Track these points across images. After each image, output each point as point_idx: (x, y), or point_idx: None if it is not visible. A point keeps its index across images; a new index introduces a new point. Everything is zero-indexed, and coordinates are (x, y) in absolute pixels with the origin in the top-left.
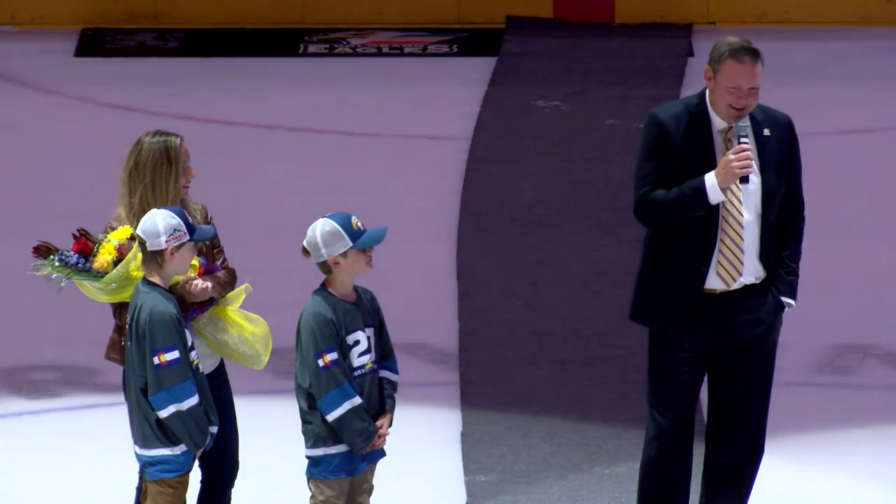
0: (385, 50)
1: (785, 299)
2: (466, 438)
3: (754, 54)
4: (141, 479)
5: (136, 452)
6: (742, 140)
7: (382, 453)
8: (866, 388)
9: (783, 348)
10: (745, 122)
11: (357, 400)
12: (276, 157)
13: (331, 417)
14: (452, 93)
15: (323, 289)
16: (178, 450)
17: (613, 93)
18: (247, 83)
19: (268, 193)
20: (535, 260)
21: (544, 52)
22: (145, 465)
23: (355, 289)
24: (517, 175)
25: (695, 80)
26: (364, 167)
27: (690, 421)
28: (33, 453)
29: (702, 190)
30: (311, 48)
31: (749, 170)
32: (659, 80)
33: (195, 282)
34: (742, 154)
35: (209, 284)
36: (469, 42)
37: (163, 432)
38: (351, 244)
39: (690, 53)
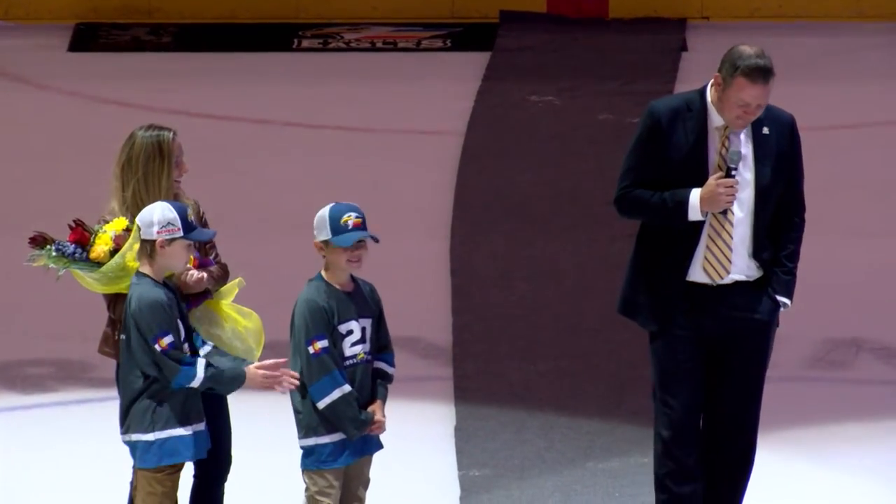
0: (379, 45)
1: (781, 299)
2: (460, 433)
3: (767, 74)
4: (135, 473)
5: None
6: (732, 172)
7: (380, 445)
8: (860, 383)
9: (777, 342)
10: (738, 150)
11: (347, 388)
12: (270, 151)
13: (322, 405)
14: (446, 87)
15: (319, 276)
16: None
17: (607, 88)
18: (240, 78)
19: (260, 188)
20: (529, 254)
21: (538, 46)
22: (141, 452)
23: (355, 279)
24: (511, 170)
25: (689, 75)
26: (357, 162)
27: (698, 410)
28: (27, 448)
29: (684, 206)
30: (305, 43)
31: (731, 205)
32: (653, 74)
33: (191, 272)
34: (731, 189)
35: (204, 275)
36: (463, 37)
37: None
38: (329, 237)
39: (684, 48)
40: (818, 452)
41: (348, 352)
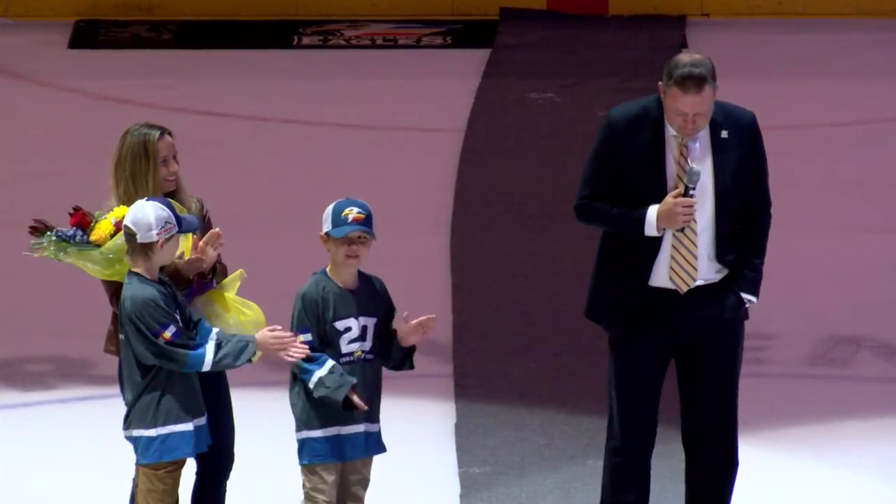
0: (379, 42)
1: (746, 296)
2: (460, 430)
3: (699, 83)
4: (138, 471)
5: (142, 436)
6: (690, 192)
7: (381, 448)
8: (860, 380)
9: (777, 340)
10: (698, 171)
11: (311, 384)
12: (270, 148)
13: (314, 392)
14: (446, 85)
15: (322, 271)
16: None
17: (607, 85)
18: (240, 75)
19: (260, 185)
20: (529, 251)
21: (538, 43)
22: (142, 448)
23: (363, 276)
24: (511, 167)
25: None
26: (357, 159)
27: (653, 415)
28: (28, 445)
29: (641, 222)
30: (305, 40)
31: (688, 223)
32: (653, 72)
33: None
34: (689, 208)
35: (206, 255)
36: (463, 34)
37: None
38: (329, 228)
39: (684, 45)
40: (818, 449)
41: (345, 349)
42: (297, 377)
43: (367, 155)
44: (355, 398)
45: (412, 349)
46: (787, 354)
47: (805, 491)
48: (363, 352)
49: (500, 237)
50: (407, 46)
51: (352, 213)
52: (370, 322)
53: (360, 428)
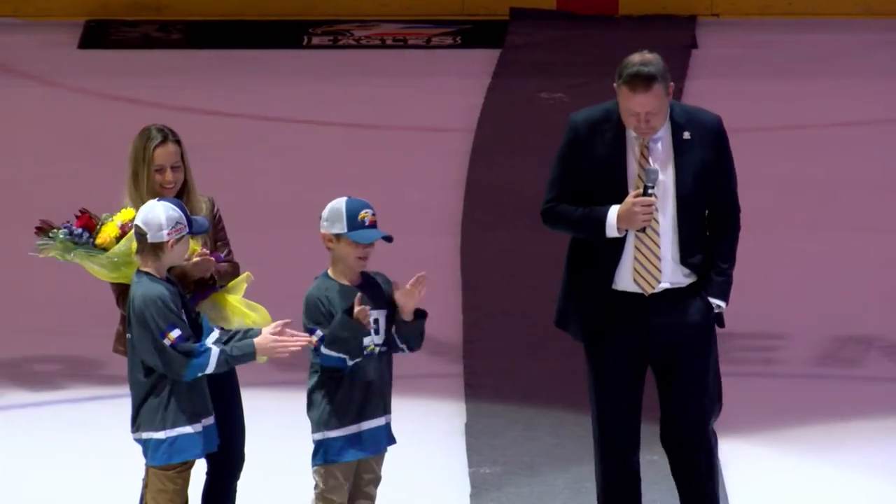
0: (389, 42)
1: (714, 301)
2: (470, 430)
3: (648, 81)
4: (147, 471)
5: (150, 438)
6: (649, 191)
7: (392, 441)
8: (870, 380)
9: (786, 340)
10: (655, 169)
11: (322, 349)
12: (278, 148)
13: (330, 356)
14: (456, 85)
15: (325, 273)
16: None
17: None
18: (250, 75)
19: (269, 185)
20: (539, 251)
21: (548, 43)
22: (152, 450)
23: (364, 273)
24: (520, 167)
25: (699, 73)
26: (367, 159)
27: (633, 414)
28: (37, 445)
29: (602, 224)
30: (315, 40)
31: (648, 223)
32: None
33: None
34: (648, 208)
35: (210, 259)
36: (473, 34)
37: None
38: (345, 231)
39: (694, 45)
40: (826, 450)
41: None
42: (317, 371)
43: (377, 155)
44: (355, 308)
45: (419, 325)
46: (797, 354)
47: (812, 491)
48: (376, 345)
49: (509, 237)
50: (417, 46)
51: (367, 215)
52: (381, 315)
53: (381, 421)
